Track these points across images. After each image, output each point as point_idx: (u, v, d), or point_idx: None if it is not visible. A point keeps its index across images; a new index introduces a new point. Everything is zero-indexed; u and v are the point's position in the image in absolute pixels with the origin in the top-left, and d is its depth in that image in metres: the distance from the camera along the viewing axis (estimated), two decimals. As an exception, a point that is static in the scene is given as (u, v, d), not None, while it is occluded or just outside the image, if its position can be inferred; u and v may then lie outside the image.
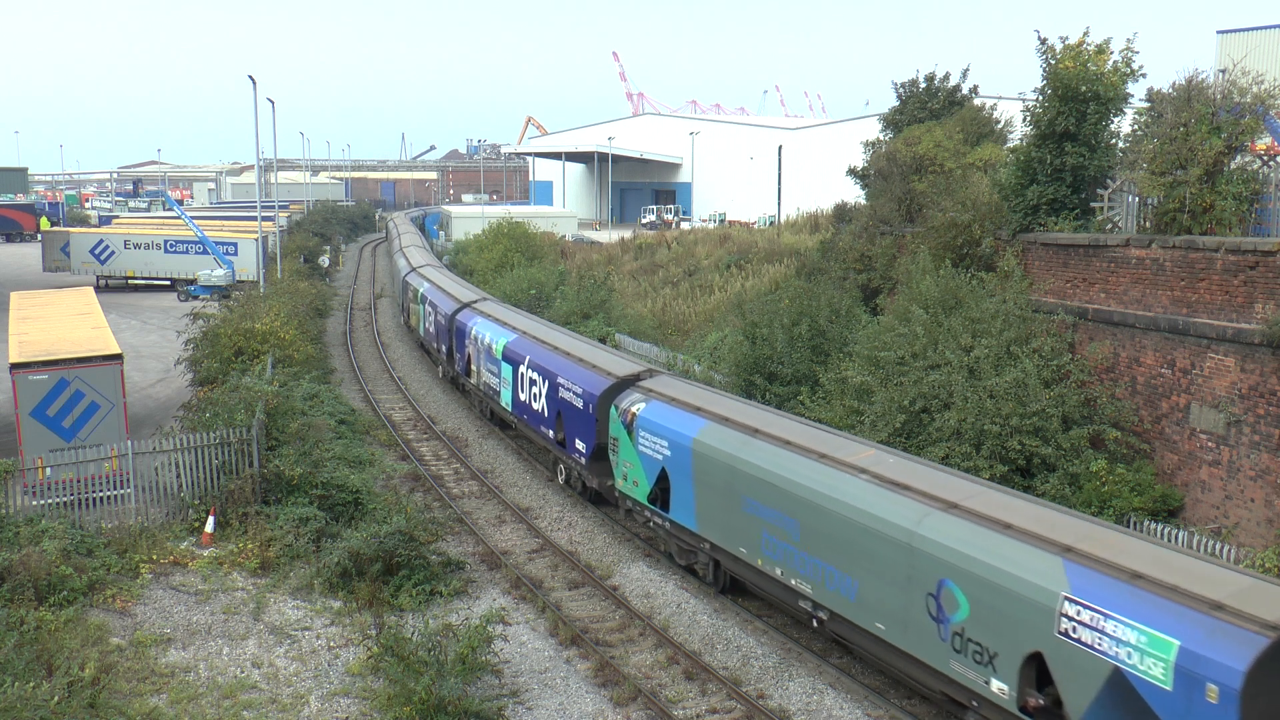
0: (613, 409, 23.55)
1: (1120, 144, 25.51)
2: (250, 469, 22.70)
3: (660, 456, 21.49)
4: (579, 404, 25.44)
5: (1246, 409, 18.76)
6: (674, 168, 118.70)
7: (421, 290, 46.10)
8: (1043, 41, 25.11)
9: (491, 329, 33.43)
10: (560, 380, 26.75)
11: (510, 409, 30.98)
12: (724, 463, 19.45)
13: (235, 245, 65.73)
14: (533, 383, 28.80)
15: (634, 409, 22.60)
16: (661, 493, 21.69)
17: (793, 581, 17.94)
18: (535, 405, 28.61)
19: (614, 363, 26.40)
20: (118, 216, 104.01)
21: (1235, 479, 19.04)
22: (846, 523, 16.50)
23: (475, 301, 39.47)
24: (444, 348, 39.72)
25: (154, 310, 58.72)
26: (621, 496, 23.57)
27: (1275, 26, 46.13)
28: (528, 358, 29.35)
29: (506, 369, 30.99)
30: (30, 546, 18.82)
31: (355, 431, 31.09)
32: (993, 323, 22.93)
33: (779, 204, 79.99)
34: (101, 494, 22.55)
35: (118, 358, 25.37)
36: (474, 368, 34.83)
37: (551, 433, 27.46)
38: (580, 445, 25.57)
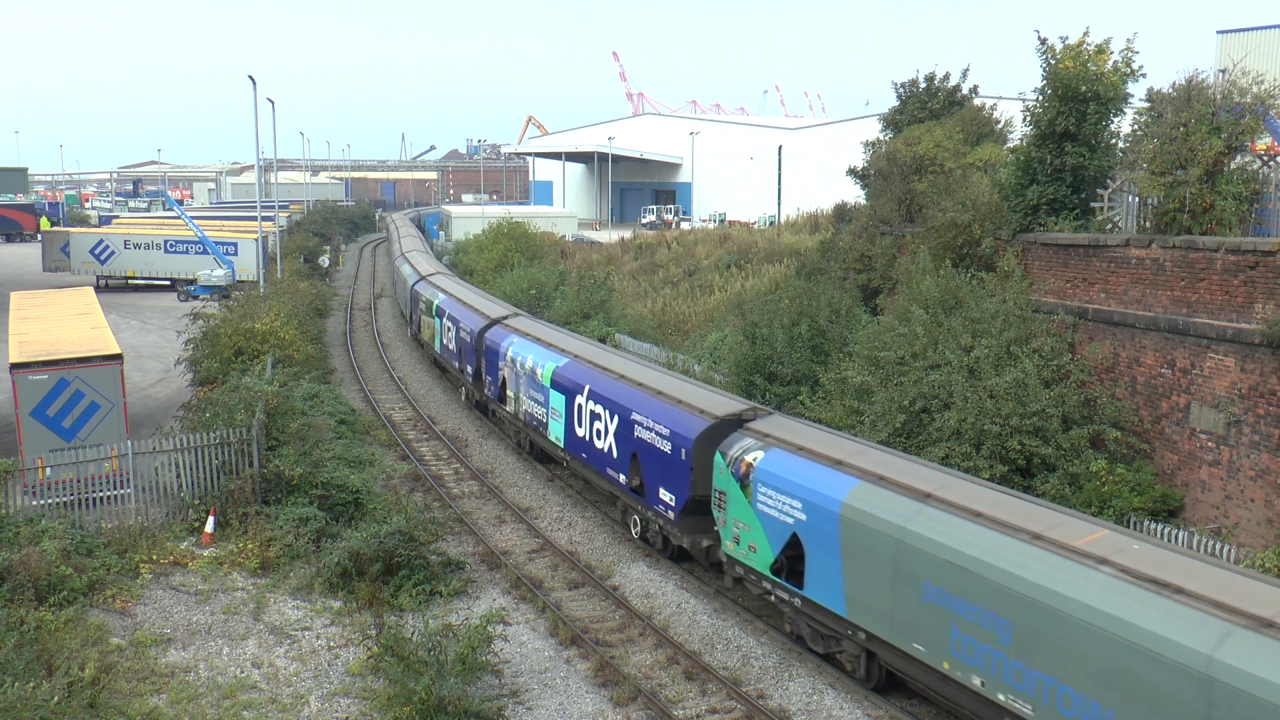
0: (717, 457, 20.03)
1: (1120, 144, 25.52)
2: (250, 469, 22.70)
3: (790, 519, 17.91)
4: (665, 447, 21.72)
5: (1246, 409, 18.76)
6: (674, 168, 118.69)
7: (437, 302, 41.73)
8: (1043, 41, 25.12)
9: (534, 351, 29.30)
10: (637, 417, 22.88)
11: (563, 445, 26.94)
12: (890, 536, 15.82)
13: (235, 245, 65.76)
14: (595, 417, 24.85)
15: (749, 458, 19.17)
16: (789, 562, 18.21)
17: (1000, 696, 14.25)
18: (599, 444, 24.68)
19: (707, 398, 22.46)
20: (118, 216, 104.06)
21: (1235, 479, 19.04)
22: (1092, 633, 12.82)
23: (507, 317, 35.01)
24: (469, 368, 35.43)
25: (154, 310, 58.73)
26: (729, 561, 20.00)
27: (1275, 26, 46.13)
28: (587, 387, 25.44)
29: (557, 399, 27.11)
30: (30, 546, 18.83)
31: (355, 431, 31.09)
32: (993, 323, 22.93)
33: (779, 204, 79.98)
34: (101, 494, 22.55)
35: (118, 358, 25.38)
36: (510, 394, 30.78)
37: (623, 478, 23.55)
38: (666, 496, 21.84)
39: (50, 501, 21.84)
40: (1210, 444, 19.58)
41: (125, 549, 20.66)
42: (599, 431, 24.70)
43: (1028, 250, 25.00)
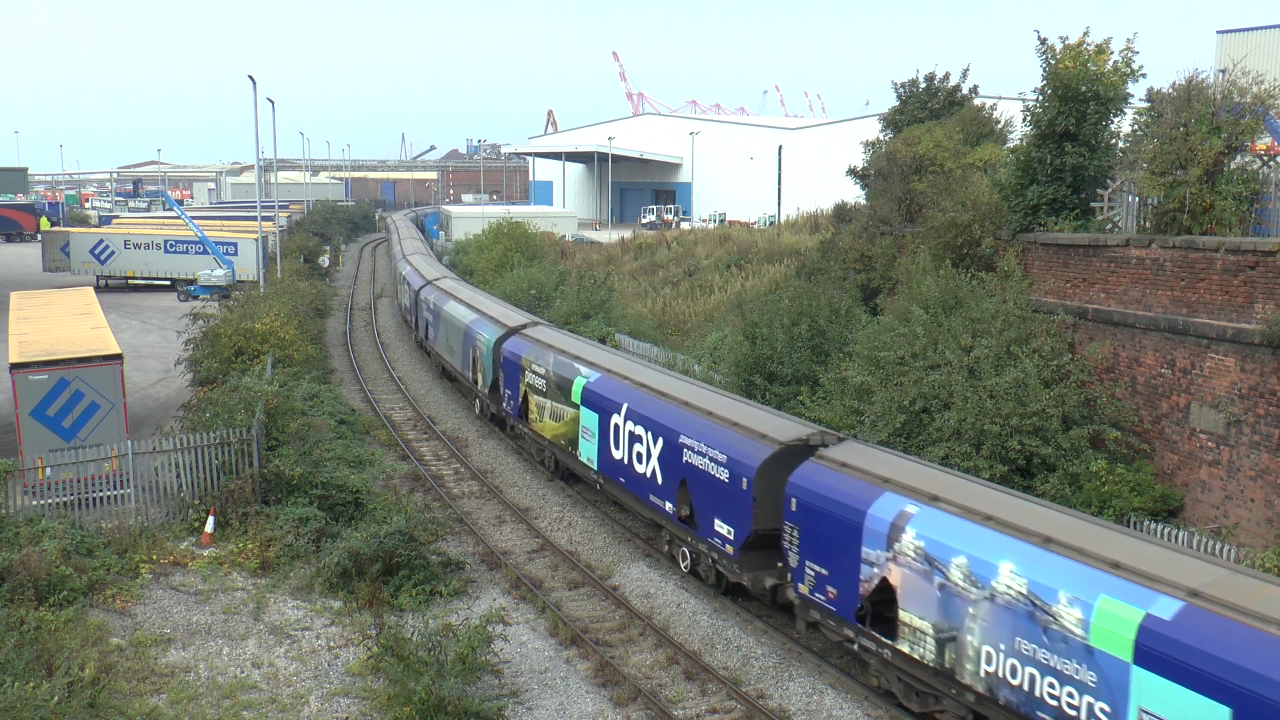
0: None
1: (1120, 144, 25.53)
2: (250, 469, 22.70)
3: None
4: None
5: (1246, 409, 18.76)
6: (674, 168, 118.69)
7: (584, 383, 25.45)
8: (1043, 41, 25.12)
9: (1032, 563, 14.02)
10: None
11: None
12: None
13: (235, 245, 65.77)
14: None
15: None
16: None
17: None
18: None
19: None
20: (118, 216, 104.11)
21: (1235, 479, 19.04)
22: None
23: (829, 447, 18.74)
24: (720, 522, 20.04)
25: (154, 310, 58.72)
26: None
27: (1275, 26, 46.18)
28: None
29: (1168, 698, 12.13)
30: (30, 546, 18.82)
31: (355, 431, 31.09)
32: (993, 323, 22.94)
33: (779, 204, 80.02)
34: (101, 494, 22.55)
35: (118, 358, 25.37)
36: (917, 620, 15.51)
37: None
38: None
39: (50, 501, 21.84)
40: (1210, 444, 19.58)
41: (125, 549, 20.65)
42: None
43: (1028, 250, 25.00)
